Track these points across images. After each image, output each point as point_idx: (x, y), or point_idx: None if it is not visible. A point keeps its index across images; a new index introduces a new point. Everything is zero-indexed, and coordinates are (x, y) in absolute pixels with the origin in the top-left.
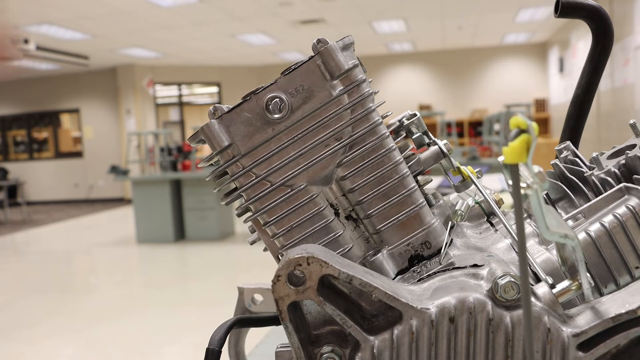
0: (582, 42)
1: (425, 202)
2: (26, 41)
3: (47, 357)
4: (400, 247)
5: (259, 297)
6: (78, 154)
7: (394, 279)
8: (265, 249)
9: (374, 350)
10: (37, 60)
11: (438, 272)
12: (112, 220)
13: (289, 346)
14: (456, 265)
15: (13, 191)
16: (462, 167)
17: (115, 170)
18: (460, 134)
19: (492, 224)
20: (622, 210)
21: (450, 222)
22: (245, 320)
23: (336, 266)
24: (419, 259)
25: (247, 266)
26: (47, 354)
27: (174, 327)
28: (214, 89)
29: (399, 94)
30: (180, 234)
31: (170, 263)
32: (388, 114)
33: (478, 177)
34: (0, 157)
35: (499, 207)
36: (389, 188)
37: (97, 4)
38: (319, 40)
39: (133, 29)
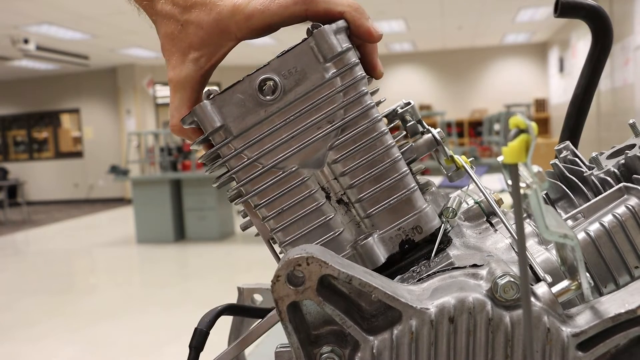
0: (582, 42)
1: (417, 186)
2: (26, 41)
3: (47, 357)
4: (391, 231)
5: (258, 297)
6: (78, 154)
7: (386, 266)
8: (257, 234)
9: (374, 350)
10: (37, 60)
11: (438, 272)
12: (112, 220)
13: (288, 346)
14: (456, 265)
15: (13, 191)
16: (456, 156)
17: (115, 170)
18: (460, 134)
19: (491, 224)
20: (621, 210)
21: (442, 218)
22: (236, 308)
23: (336, 266)
24: (409, 244)
25: (247, 266)
26: (47, 354)
27: (174, 327)
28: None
29: (399, 94)
30: (180, 234)
31: (170, 263)
32: (382, 100)
33: (472, 168)
34: (0, 157)
35: (499, 207)
36: (380, 172)
37: (97, 4)
38: (313, 24)
39: (133, 29)
